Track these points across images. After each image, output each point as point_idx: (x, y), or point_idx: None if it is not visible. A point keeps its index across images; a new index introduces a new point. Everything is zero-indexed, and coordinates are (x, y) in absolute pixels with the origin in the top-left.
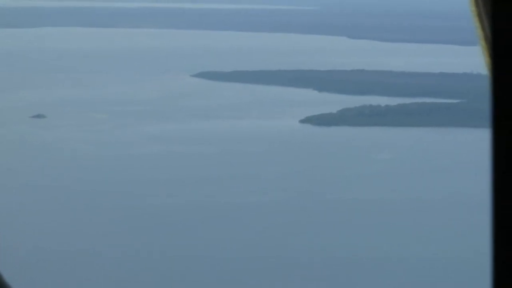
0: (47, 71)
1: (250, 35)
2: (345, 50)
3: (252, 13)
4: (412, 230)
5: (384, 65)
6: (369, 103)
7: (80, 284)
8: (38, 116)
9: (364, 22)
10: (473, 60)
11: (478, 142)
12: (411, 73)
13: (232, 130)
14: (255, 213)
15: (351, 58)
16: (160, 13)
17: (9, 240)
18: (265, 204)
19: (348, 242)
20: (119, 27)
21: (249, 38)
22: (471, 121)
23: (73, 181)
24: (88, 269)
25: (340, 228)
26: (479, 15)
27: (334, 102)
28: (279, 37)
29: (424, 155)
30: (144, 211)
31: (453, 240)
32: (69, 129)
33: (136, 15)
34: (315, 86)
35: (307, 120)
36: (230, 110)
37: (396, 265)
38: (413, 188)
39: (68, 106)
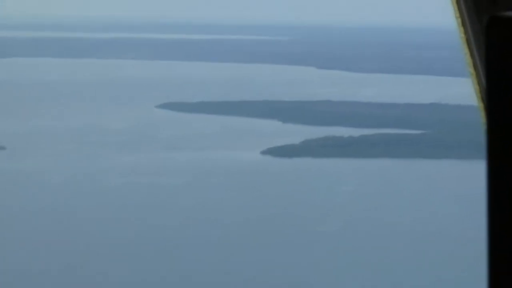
0: (15, 101)
1: (219, 66)
2: (313, 81)
3: (224, 43)
4: (339, 264)
5: (351, 96)
6: (332, 134)
7: None
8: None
9: (335, 52)
10: (442, 90)
11: (441, 174)
12: (377, 104)
13: (192, 162)
14: (208, 246)
15: (318, 89)
16: (131, 44)
17: None
18: (218, 237)
19: (297, 275)
20: (90, 57)
21: (218, 69)
22: (435, 153)
23: (37, 210)
24: None
25: (295, 261)
26: (468, 42)
27: (297, 133)
28: (248, 68)
29: (384, 187)
30: (103, 242)
31: (407, 276)
32: (34, 160)
33: (108, 46)
34: (280, 117)
35: (268, 152)
36: (192, 142)
37: None
38: (374, 220)
39: (35, 136)
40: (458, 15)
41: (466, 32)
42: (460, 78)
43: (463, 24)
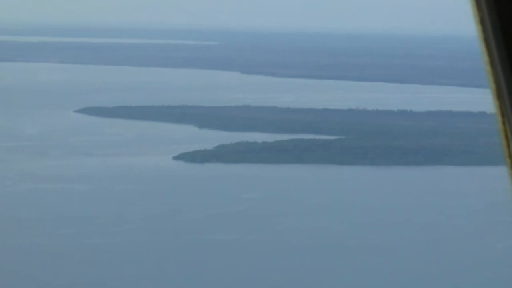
0: None
1: (143, 70)
2: (236, 86)
3: (151, 48)
4: (264, 275)
5: (271, 101)
6: (246, 140)
7: None
8: None
9: (262, 57)
10: (361, 96)
11: (352, 180)
12: (296, 109)
13: (104, 168)
14: (113, 254)
15: (239, 94)
16: (57, 48)
17: None
18: (124, 245)
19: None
20: (13, 61)
21: (141, 73)
22: (345, 159)
23: None
24: None
25: (192, 269)
26: (487, 40)
27: (212, 139)
28: (171, 73)
29: (293, 194)
30: (7, 251)
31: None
32: None
33: (34, 50)
34: (196, 122)
35: (180, 157)
36: (105, 148)
37: None
38: (274, 229)
39: None
40: (477, 13)
41: (484, 31)
42: (378, 83)
43: (482, 22)
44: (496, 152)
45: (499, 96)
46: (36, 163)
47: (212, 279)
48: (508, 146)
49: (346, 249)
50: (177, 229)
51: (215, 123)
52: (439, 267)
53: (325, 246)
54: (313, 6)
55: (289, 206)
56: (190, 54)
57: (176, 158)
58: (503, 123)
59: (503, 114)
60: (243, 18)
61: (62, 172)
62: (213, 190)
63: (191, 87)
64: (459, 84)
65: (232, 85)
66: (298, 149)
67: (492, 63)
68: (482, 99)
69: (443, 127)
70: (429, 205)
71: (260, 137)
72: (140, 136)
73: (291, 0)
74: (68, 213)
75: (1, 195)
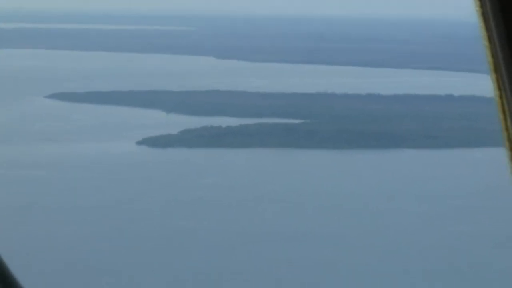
0: None
1: (115, 56)
2: (209, 71)
3: (125, 33)
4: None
5: (242, 86)
6: (211, 125)
7: None
8: None
9: (237, 42)
10: (332, 80)
11: (313, 164)
12: (265, 93)
13: (64, 154)
14: (66, 242)
15: (211, 79)
16: (31, 34)
17: None
18: (75, 234)
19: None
20: None
21: (113, 59)
22: (309, 143)
23: None
24: None
25: (149, 257)
26: (484, 16)
27: (178, 124)
28: (143, 58)
29: (255, 178)
30: None
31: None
32: None
33: (8, 36)
34: (164, 107)
35: (144, 142)
36: (69, 133)
37: None
38: (230, 217)
39: None
40: None
41: (483, 6)
42: (351, 67)
43: None
44: (459, 136)
45: (496, 70)
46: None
47: (166, 265)
48: (505, 119)
49: (291, 238)
50: (132, 217)
51: (183, 108)
52: (387, 254)
53: (273, 234)
54: None
55: (246, 192)
56: (167, 40)
57: (140, 143)
58: (500, 97)
59: (500, 88)
60: (224, 3)
61: (20, 158)
62: (173, 175)
63: (164, 72)
64: (430, 68)
65: (205, 70)
66: (263, 133)
67: (489, 38)
68: (451, 82)
69: (409, 110)
70: (385, 190)
71: (225, 122)
72: (106, 121)
73: None
74: (20, 199)
75: None
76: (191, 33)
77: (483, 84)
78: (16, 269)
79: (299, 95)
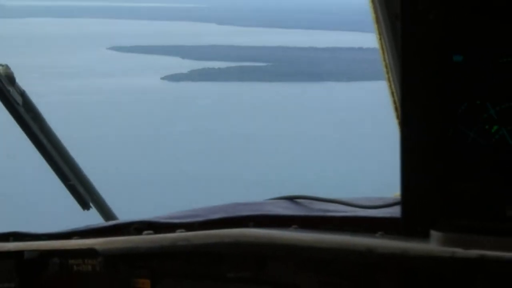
0: None
1: (154, 22)
2: (210, 32)
3: (162, 9)
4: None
5: (230, 42)
6: (208, 67)
7: None
8: None
9: (232, 14)
10: (288, 38)
11: (271, 91)
12: (245, 47)
13: (114, 85)
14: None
15: (211, 37)
16: (96, 10)
17: None
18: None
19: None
20: (52, 17)
21: (151, 25)
22: (272, 78)
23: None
24: None
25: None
26: (377, 20)
27: (188, 66)
28: (171, 24)
29: (232, 99)
30: None
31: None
32: None
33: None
34: (180, 55)
35: (165, 78)
36: (122, 71)
37: None
38: (215, 123)
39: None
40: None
41: (376, 12)
42: (299, 30)
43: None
44: (367, 72)
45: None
46: (68, 82)
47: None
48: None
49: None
50: (156, 123)
51: (191, 56)
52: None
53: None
54: None
55: (228, 107)
56: (187, 13)
57: (162, 78)
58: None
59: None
60: None
61: (84, 89)
62: (181, 99)
63: (182, 33)
64: (350, 30)
65: (208, 32)
66: (241, 72)
67: (377, 21)
68: (362, 39)
69: (333, 57)
70: (316, 104)
71: (218, 65)
72: (143, 64)
73: None
74: (86, 114)
75: (41, 104)
76: (204, 9)
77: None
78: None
79: (267, 48)
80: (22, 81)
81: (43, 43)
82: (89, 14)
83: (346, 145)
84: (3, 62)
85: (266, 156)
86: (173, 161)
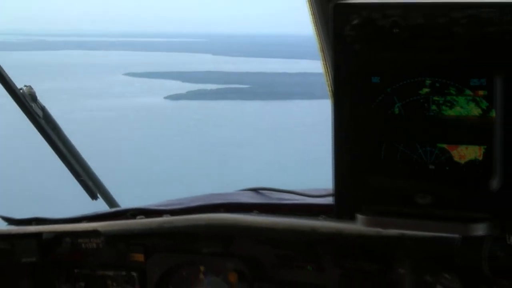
0: None
1: (162, 54)
2: (206, 61)
3: (169, 43)
4: None
5: (221, 68)
6: (202, 88)
7: None
8: None
9: (224, 47)
10: (267, 66)
11: (250, 108)
12: (232, 72)
13: (126, 103)
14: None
15: (207, 65)
16: (115, 43)
17: None
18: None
19: None
20: (87, 49)
21: (160, 55)
22: (251, 97)
23: None
24: None
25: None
26: (316, 24)
27: (186, 88)
28: (175, 55)
29: (219, 115)
30: None
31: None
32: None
33: (111, 44)
34: (181, 79)
35: (167, 97)
36: (128, 92)
37: None
38: (205, 137)
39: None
40: None
41: (314, 14)
42: (276, 59)
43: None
44: (326, 92)
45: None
46: (90, 101)
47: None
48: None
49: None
50: (157, 133)
51: (190, 80)
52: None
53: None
54: None
55: (216, 120)
56: (189, 46)
57: (165, 97)
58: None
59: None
60: (225, 25)
61: (102, 106)
62: (179, 114)
63: (183, 62)
64: (315, 59)
65: (204, 60)
66: (226, 92)
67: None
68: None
69: (301, 80)
70: (280, 117)
71: (210, 86)
72: (151, 86)
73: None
74: (102, 126)
75: (63, 120)
76: (202, 42)
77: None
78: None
79: (249, 73)
80: (53, 101)
81: (73, 70)
82: (110, 47)
83: (306, 147)
84: (36, 85)
85: (245, 158)
86: (169, 161)
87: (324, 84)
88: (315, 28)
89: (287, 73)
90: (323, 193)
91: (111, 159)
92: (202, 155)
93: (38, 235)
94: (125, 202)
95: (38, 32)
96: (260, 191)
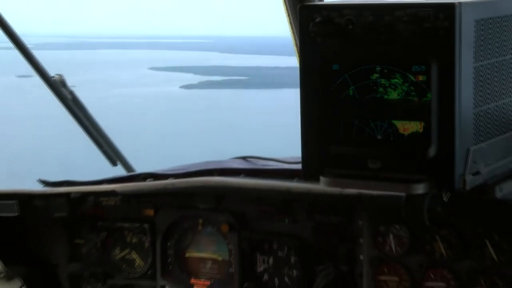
0: None
1: (178, 52)
2: (214, 58)
3: (181, 43)
4: None
5: (225, 63)
6: (211, 80)
7: None
8: None
9: (228, 46)
10: (261, 61)
11: (248, 95)
12: (234, 66)
13: (148, 92)
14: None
15: (215, 61)
16: (138, 43)
17: None
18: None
19: None
20: (110, 48)
21: (177, 53)
22: (251, 86)
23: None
24: None
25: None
26: (291, 24)
27: (198, 79)
28: (187, 53)
29: (225, 100)
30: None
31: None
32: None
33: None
34: (193, 72)
35: (182, 87)
36: (154, 82)
37: None
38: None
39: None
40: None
41: (288, 15)
42: (268, 56)
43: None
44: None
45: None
46: (120, 90)
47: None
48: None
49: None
50: (173, 115)
51: (201, 72)
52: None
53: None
54: None
55: (222, 104)
56: (197, 45)
57: (180, 87)
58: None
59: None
60: (230, 28)
61: (129, 94)
62: (191, 100)
63: (194, 58)
64: (286, 54)
65: (212, 57)
66: (232, 82)
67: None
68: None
69: (290, 73)
70: (273, 104)
71: (216, 78)
72: (169, 78)
73: None
74: (129, 110)
75: (99, 104)
76: (210, 43)
77: None
78: None
79: (248, 67)
80: (92, 89)
81: (107, 65)
82: (137, 47)
83: (293, 123)
84: (79, 77)
85: (244, 132)
86: (182, 136)
87: None
88: (290, 27)
89: (279, 67)
90: (298, 160)
91: (137, 134)
92: (209, 131)
93: (67, 194)
94: (143, 167)
95: (79, 34)
96: (248, 158)
